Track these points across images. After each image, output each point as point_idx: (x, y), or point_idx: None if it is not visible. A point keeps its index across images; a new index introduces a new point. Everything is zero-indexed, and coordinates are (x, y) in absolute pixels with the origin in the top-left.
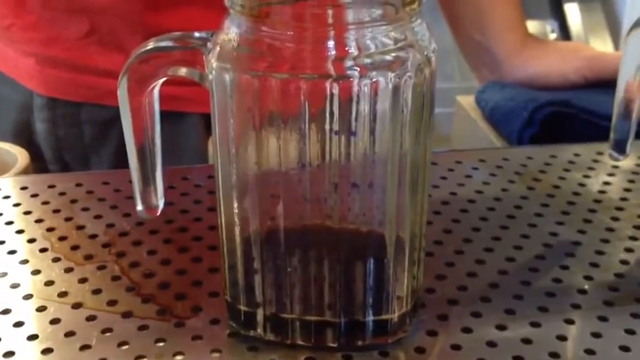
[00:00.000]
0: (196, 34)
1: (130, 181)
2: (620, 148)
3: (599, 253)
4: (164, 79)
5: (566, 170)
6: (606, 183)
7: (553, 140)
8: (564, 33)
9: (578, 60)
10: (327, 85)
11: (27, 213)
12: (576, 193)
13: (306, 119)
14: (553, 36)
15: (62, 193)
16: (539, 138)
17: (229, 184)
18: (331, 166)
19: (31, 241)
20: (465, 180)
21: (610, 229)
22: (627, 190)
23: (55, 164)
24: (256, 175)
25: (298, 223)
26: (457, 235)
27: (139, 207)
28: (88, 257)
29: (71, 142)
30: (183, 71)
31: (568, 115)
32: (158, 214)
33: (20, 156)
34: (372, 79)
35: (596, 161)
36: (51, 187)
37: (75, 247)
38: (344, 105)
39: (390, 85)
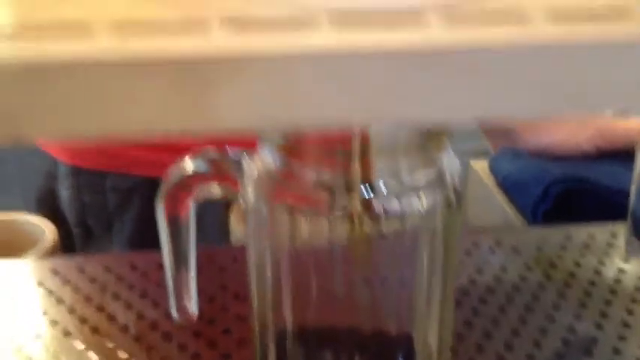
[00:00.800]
0: (231, 156)
1: (159, 265)
2: (637, 230)
3: (616, 351)
4: (198, 196)
5: (582, 255)
6: (621, 270)
7: (566, 212)
8: None
9: (590, 130)
10: (356, 221)
11: (60, 302)
12: (592, 283)
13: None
14: None
15: (92, 280)
16: (553, 210)
17: (263, 301)
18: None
19: (67, 334)
20: (482, 265)
21: (626, 325)
22: None
23: (78, 227)
24: (290, 286)
25: (329, 322)
26: (477, 328)
27: (175, 315)
28: (120, 351)
29: (95, 209)
30: (218, 193)
31: (582, 189)
32: (194, 320)
33: (47, 229)
34: (401, 219)
35: (610, 245)
36: (80, 271)
37: (106, 340)
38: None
39: (419, 221)
